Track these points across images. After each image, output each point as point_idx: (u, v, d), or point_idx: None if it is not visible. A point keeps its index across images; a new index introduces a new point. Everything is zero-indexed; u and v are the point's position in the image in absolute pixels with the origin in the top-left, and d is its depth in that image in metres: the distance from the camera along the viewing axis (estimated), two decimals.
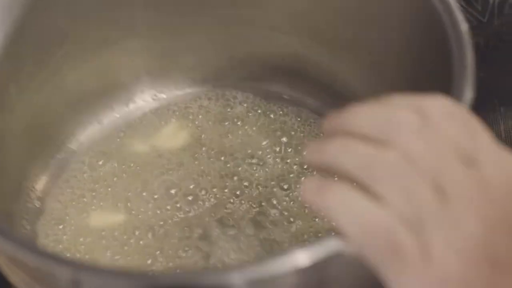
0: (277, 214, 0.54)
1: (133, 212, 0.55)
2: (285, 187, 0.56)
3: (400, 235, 0.32)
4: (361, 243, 0.33)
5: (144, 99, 0.62)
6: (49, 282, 0.39)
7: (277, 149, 0.58)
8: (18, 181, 0.55)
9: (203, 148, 0.58)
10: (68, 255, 0.52)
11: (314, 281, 0.38)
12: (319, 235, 0.52)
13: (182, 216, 0.54)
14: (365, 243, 0.33)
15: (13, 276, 0.42)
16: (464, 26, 0.44)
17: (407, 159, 0.33)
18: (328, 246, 0.36)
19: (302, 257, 0.36)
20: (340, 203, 0.33)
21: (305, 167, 0.56)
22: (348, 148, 0.34)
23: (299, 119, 0.60)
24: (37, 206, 0.56)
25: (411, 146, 0.33)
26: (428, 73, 0.47)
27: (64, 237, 0.54)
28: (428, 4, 0.46)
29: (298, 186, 0.55)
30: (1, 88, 0.51)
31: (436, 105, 0.35)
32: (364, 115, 0.35)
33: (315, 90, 0.60)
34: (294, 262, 0.36)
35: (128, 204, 0.55)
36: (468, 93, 0.41)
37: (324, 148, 0.35)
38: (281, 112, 0.60)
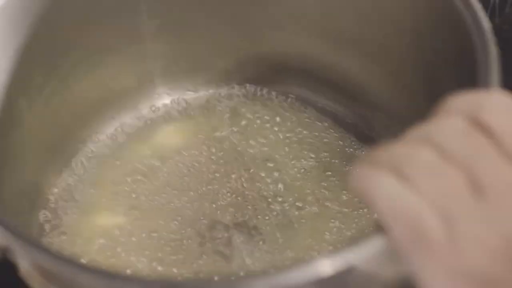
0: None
1: (143, 215, 0.55)
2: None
3: (428, 221, 0.33)
4: (391, 225, 0.34)
5: (151, 105, 0.61)
6: None
7: (286, 148, 0.58)
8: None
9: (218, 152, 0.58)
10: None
11: None
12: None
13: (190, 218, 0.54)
14: (395, 226, 0.34)
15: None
16: (486, 24, 0.44)
17: (444, 155, 0.34)
18: (350, 254, 0.36)
19: (324, 266, 0.36)
20: (377, 188, 0.35)
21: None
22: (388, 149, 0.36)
23: (307, 120, 0.60)
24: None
25: (450, 144, 0.34)
26: (447, 72, 0.47)
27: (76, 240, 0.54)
28: (447, 4, 0.46)
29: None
30: (12, 102, 0.50)
31: (490, 103, 0.35)
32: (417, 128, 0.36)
33: (325, 89, 0.60)
34: (316, 271, 0.36)
35: (137, 208, 0.56)
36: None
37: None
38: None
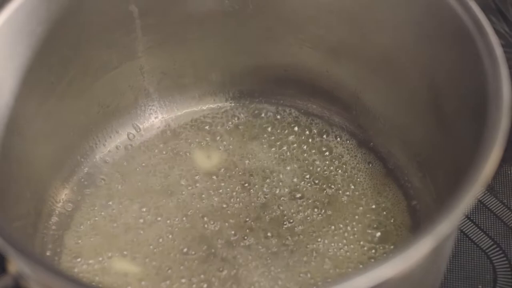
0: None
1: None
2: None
3: None
4: None
5: (151, 122, 0.61)
6: None
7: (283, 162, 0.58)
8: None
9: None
10: None
11: None
12: None
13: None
14: None
15: None
16: (498, 50, 0.43)
17: None
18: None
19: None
20: None
21: None
22: None
23: (305, 131, 0.60)
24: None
25: None
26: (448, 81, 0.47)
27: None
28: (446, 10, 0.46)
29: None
30: (13, 121, 0.50)
31: None
32: None
33: (321, 99, 0.61)
34: None
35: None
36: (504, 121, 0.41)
37: None
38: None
